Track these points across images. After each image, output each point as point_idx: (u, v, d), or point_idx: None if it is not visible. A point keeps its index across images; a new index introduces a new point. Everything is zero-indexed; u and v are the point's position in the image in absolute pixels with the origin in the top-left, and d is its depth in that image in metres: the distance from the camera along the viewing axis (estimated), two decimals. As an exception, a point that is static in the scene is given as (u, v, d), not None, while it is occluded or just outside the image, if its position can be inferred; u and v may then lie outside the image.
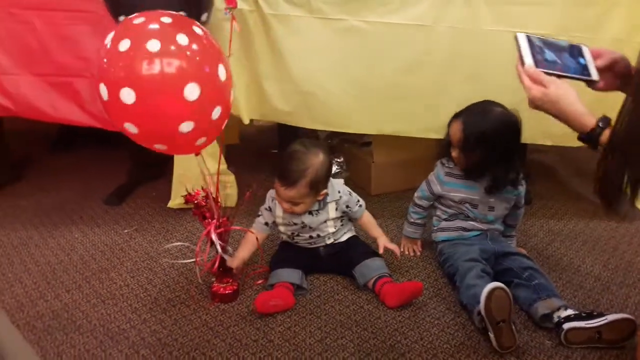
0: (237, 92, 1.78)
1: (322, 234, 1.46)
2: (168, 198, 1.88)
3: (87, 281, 1.47)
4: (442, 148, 1.53)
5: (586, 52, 1.05)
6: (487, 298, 1.16)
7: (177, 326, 1.29)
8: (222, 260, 1.34)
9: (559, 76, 0.97)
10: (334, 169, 2.23)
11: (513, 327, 1.19)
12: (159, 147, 1.16)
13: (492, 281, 1.31)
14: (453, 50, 1.62)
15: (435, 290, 1.44)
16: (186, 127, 1.08)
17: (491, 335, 1.18)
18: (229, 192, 1.91)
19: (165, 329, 1.28)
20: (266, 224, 1.48)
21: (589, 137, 0.93)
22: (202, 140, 1.17)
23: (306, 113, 1.74)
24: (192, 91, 1.05)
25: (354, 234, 1.55)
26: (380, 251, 1.47)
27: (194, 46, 1.07)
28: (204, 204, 1.31)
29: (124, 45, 1.03)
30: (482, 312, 1.17)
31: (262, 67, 1.71)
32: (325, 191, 1.40)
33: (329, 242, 1.49)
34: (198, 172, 1.79)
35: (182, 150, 1.27)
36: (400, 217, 1.84)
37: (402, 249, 1.60)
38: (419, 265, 1.56)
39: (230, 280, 1.39)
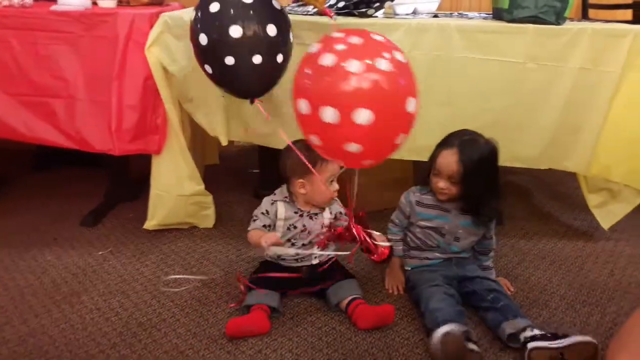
0: (216, 114, 1.81)
1: (309, 250, 1.46)
2: (144, 219, 1.86)
3: (57, 305, 1.45)
4: (421, 178, 1.52)
5: None
6: (442, 342, 1.19)
7: (146, 350, 1.28)
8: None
9: None
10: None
11: None
12: (367, 162, 1.18)
13: (457, 303, 1.36)
14: (427, 76, 1.64)
15: (407, 311, 1.45)
16: (402, 139, 1.14)
17: None
18: (207, 213, 1.91)
19: (135, 354, 1.26)
20: (264, 226, 1.45)
21: None
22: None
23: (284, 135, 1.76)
24: (412, 104, 1.11)
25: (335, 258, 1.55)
26: None
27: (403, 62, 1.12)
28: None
29: (354, 66, 1.02)
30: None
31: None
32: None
33: (314, 262, 1.48)
34: (175, 193, 1.80)
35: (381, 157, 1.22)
36: (376, 237, 1.86)
37: (387, 287, 1.55)
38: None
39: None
